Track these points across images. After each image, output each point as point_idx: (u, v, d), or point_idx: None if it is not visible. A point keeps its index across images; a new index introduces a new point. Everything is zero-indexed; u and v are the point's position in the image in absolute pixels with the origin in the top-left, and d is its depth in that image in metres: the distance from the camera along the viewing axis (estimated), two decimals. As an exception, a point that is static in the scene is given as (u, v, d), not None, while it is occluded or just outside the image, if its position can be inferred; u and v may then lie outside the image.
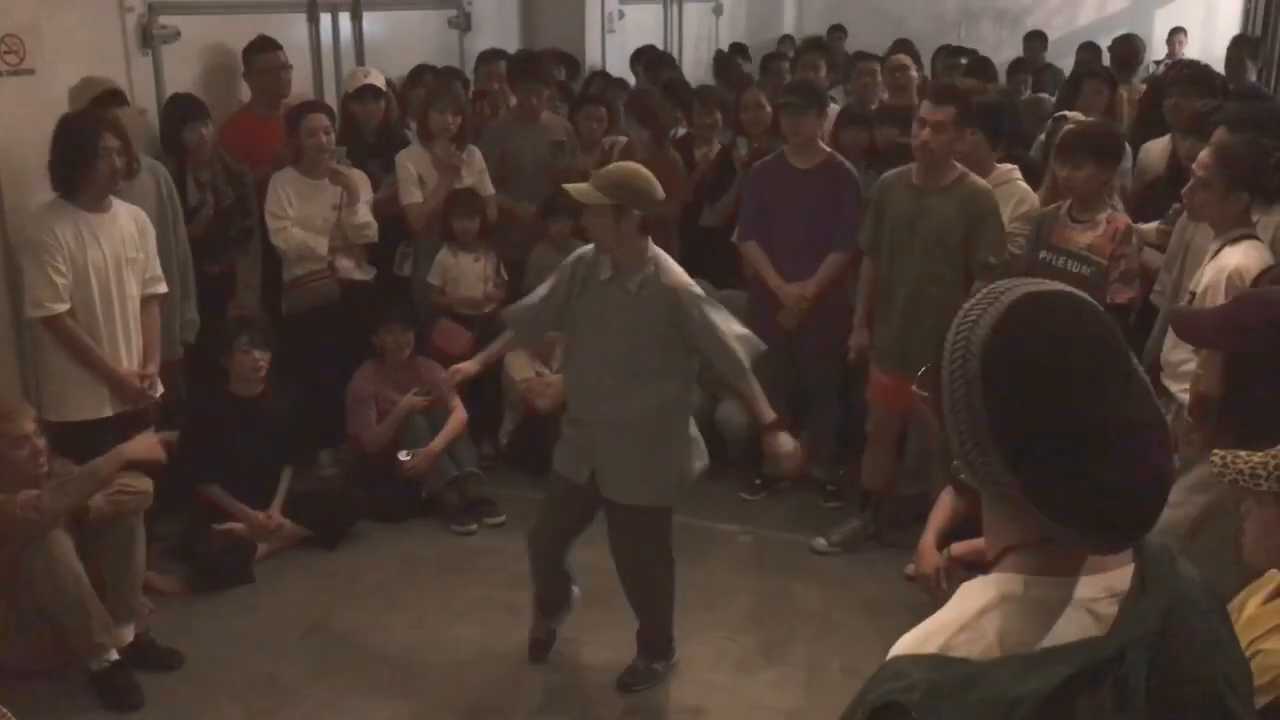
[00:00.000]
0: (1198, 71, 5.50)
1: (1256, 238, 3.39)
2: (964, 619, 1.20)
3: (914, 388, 1.32)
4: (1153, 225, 4.51)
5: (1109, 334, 1.19)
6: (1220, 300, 3.18)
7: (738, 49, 9.16)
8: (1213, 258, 3.39)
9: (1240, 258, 3.27)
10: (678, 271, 3.51)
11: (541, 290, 3.65)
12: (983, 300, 1.21)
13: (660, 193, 3.47)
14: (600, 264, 3.51)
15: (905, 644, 1.22)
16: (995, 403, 1.16)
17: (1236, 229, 3.37)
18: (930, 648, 1.19)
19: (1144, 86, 6.73)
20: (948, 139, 4.14)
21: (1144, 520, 1.17)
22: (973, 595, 1.23)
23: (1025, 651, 1.16)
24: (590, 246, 3.59)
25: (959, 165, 4.25)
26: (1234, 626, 1.37)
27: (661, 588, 3.72)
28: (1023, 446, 1.15)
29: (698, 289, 3.51)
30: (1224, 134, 3.57)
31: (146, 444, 3.77)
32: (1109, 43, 7.79)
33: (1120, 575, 1.22)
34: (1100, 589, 1.20)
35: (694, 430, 3.69)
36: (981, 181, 4.27)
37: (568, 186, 3.55)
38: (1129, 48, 7.37)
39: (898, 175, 4.36)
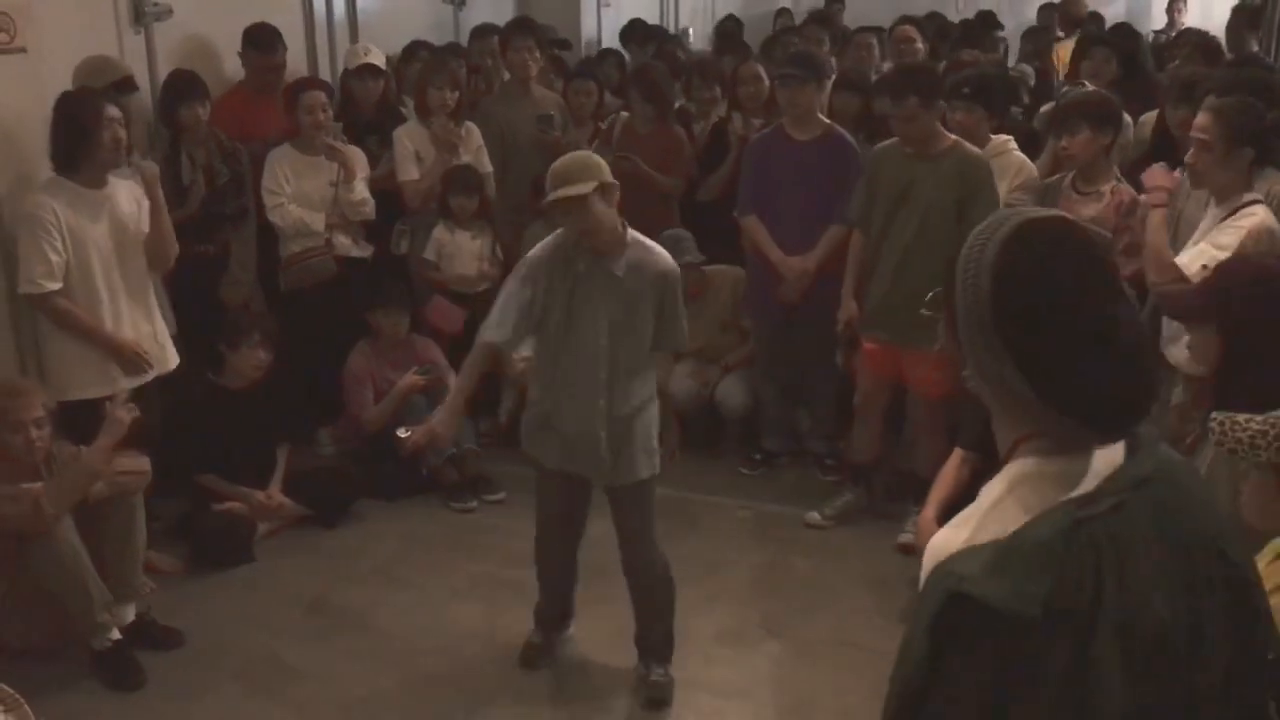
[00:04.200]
0: (1204, 40, 5.49)
1: (1263, 202, 3.38)
2: (988, 505, 1.32)
3: (923, 310, 1.52)
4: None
5: (1097, 249, 1.37)
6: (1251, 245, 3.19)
7: (734, 21, 9.09)
8: (1219, 222, 3.37)
9: (1265, 214, 3.28)
10: (663, 253, 3.40)
11: (514, 304, 3.37)
12: (989, 225, 1.36)
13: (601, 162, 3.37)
14: (573, 258, 3.32)
15: (938, 541, 1.32)
16: (1005, 313, 1.30)
17: (1239, 196, 3.36)
18: (960, 537, 1.29)
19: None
20: (922, 124, 4.14)
21: (1140, 408, 1.33)
22: (993, 488, 1.35)
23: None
24: (542, 247, 3.39)
25: (949, 135, 4.23)
26: None
27: (664, 567, 3.64)
28: (1031, 349, 1.29)
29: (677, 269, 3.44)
30: (1215, 100, 3.55)
31: (118, 423, 3.66)
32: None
33: (1114, 449, 1.35)
34: (1102, 461, 1.33)
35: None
36: (974, 150, 4.24)
37: (562, 194, 3.23)
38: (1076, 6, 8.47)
39: (890, 146, 4.33)
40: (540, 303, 3.35)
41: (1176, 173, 3.69)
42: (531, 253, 3.41)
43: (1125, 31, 6.77)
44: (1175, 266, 3.33)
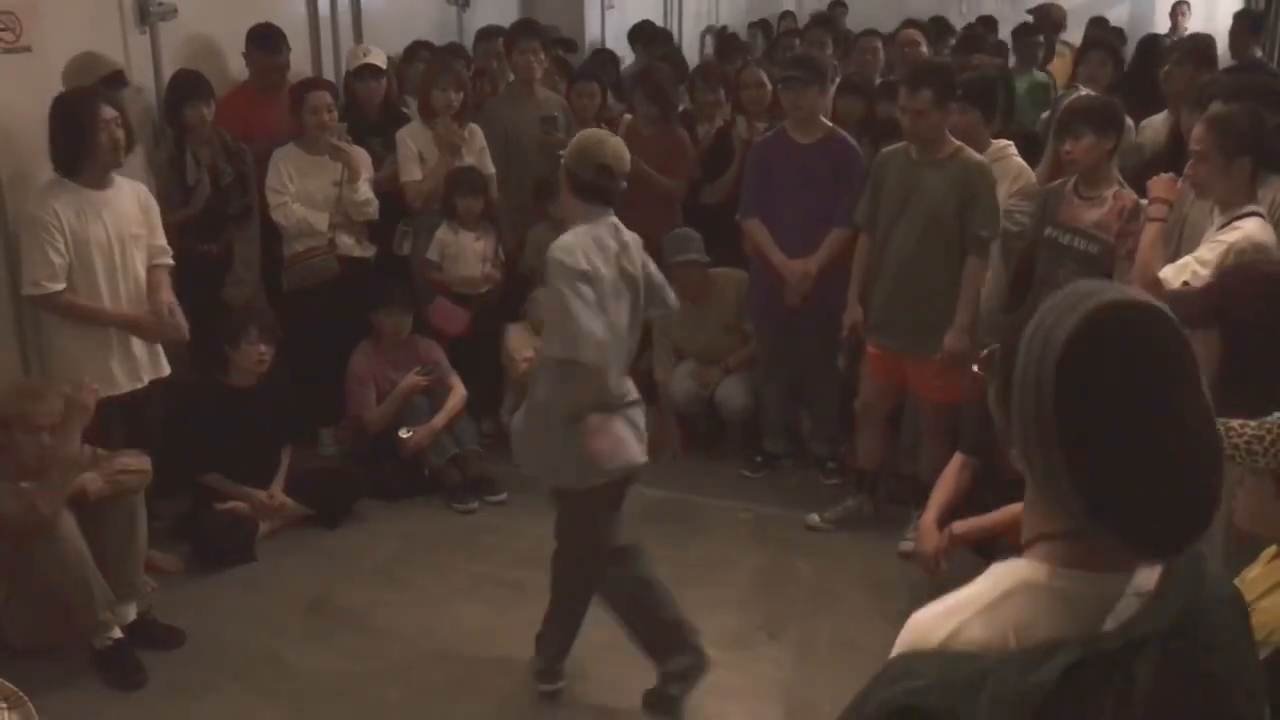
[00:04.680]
0: (1197, 44, 5.48)
1: (1261, 214, 3.37)
2: (986, 601, 1.22)
3: (975, 368, 1.36)
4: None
5: (1184, 353, 1.20)
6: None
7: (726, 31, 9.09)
8: (1218, 231, 3.37)
9: (1256, 227, 3.25)
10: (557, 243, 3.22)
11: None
12: (1067, 298, 1.22)
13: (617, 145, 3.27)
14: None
15: (921, 622, 1.24)
16: (1067, 405, 1.18)
17: (1241, 205, 3.35)
18: (946, 628, 1.21)
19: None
20: (932, 121, 4.12)
21: (1187, 540, 1.19)
22: (998, 578, 1.25)
23: (1034, 643, 1.17)
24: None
25: (954, 140, 4.23)
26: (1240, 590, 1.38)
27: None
28: (1087, 450, 1.17)
29: (555, 256, 3.17)
30: (1219, 106, 3.55)
31: (82, 409, 3.61)
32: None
33: (1148, 575, 1.23)
34: (1124, 586, 1.22)
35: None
36: (977, 156, 4.25)
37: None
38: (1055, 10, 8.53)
39: (895, 151, 4.34)
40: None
41: (1180, 183, 3.68)
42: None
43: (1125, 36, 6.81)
44: (1159, 282, 3.33)
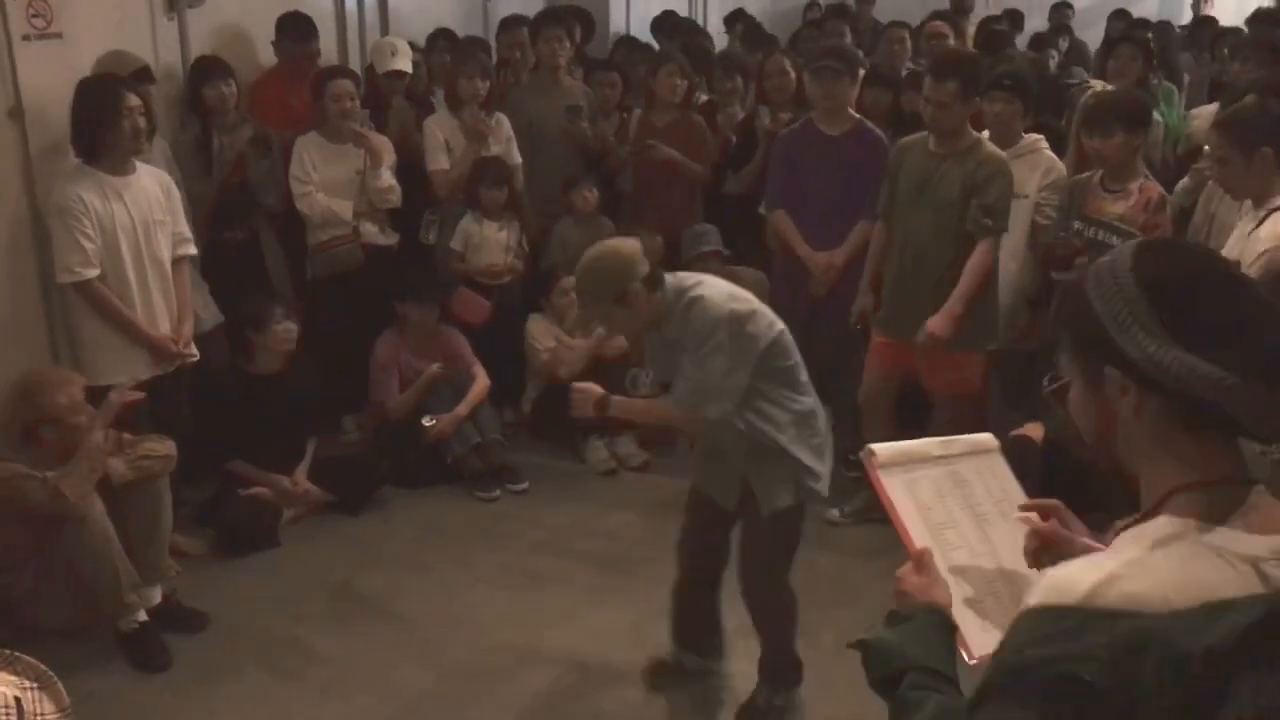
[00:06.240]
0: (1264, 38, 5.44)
1: None
2: (1133, 555, 1.20)
3: (1046, 389, 1.42)
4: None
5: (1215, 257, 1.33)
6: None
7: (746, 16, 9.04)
8: (1256, 227, 3.34)
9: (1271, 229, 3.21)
10: (705, 296, 3.12)
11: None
12: (1106, 255, 1.31)
13: (630, 247, 3.16)
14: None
15: (1061, 575, 1.21)
16: (1161, 307, 1.22)
17: (1273, 197, 3.32)
18: (1092, 578, 1.18)
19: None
20: (955, 113, 4.08)
21: None
22: (1134, 540, 1.23)
23: (1198, 603, 1.15)
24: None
25: (974, 132, 4.20)
26: None
27: (787, 600, 3.52)
28: (1196, 323, 1.21)
29: (721, 310, 3.08)
30: (1219, 115, 3.52)
31: (109, 406, 3.69)
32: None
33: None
34: (1268, 549, 1.20)
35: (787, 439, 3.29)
36: (995, 149, 4.21)
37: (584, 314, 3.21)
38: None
39: (915, 140, 4.31)
40: None
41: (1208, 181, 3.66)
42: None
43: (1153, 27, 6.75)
44: None
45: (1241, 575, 1.17)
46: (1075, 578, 1.19)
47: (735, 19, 8.67)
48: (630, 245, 3.16)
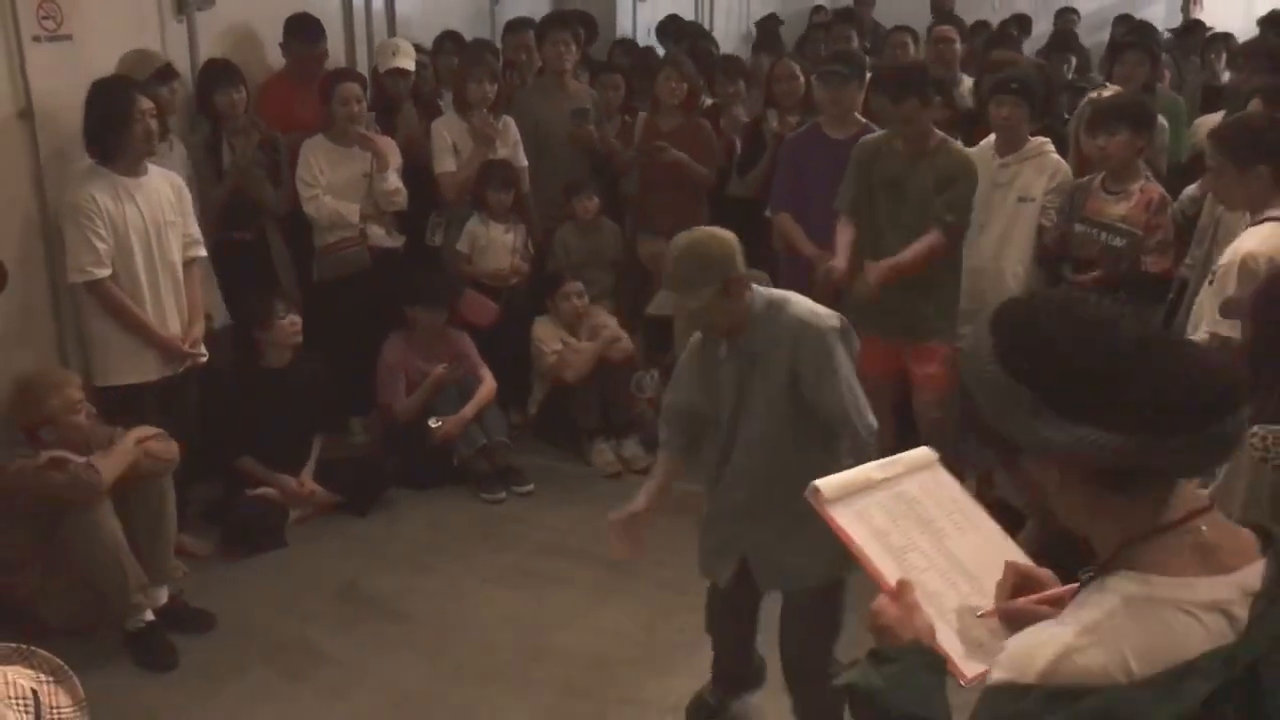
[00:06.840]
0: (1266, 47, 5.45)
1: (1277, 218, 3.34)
2: (1090, 622, 1.17)
3: (1003, 470, 1.33)
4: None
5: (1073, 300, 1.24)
6: (1231, 283, 3.14)
7: (773, 19, 9.07)
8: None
9: (1255, 242, 3.19)
10: (798, 305, 2.88)
11: (681, 400, 3.07)
12: (965, 340, 1.29)
13: (730, 240, 2.85)
14: (716, 344, 2.96)
15: (1019, 650, 1.19)
16: (1034, 386, 1.19)
17: (1268, 209, 3.32)
18: (1048, 654, 1.15)
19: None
20: (921, 124, 4.16)
21: (1220, 397, 1.15)
22: (1094, 602, 1.20)
23: (1160, 670, 1.13)
24: (695, 338, 3.05)
25: (939, 132, 4.26)
26: None
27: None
28: (1069, 394, 1.17)
29: (825, 322, 2.86)
30: (1215, 127, 3.53)
31: (124, 450, 3.70)
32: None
33: (1252, 573, 1.19)
34: (1234, 590, 1.17)
35: None
36: (961, 147, 4.30)
37: (669, 303, 2.93)
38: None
39: (881, 139, 4.34)
40: (703, 400, 3.01)
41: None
42: (686, 354, 3.10)
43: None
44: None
45: (1207, 626, 1.15)
46: (1033, 652, 1.17)
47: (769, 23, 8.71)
48: (729, 232, 2.87)
